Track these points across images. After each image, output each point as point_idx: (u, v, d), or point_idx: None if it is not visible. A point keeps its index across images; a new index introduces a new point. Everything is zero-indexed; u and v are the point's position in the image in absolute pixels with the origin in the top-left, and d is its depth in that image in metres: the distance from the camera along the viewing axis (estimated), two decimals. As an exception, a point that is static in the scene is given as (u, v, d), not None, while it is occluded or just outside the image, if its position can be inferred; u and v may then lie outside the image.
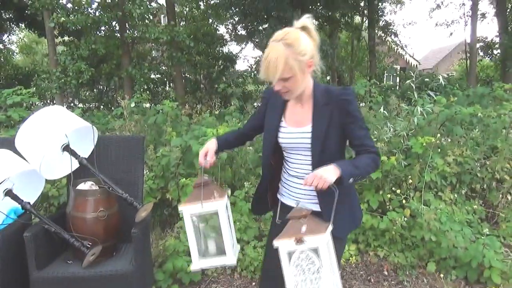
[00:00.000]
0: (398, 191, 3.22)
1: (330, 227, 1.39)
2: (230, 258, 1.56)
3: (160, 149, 3.58)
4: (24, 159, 2.19)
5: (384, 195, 3.28)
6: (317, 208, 1.57)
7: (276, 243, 1.35)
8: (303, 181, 1.40)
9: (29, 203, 2.16)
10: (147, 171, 3.38)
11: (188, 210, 1.56)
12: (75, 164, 2.31)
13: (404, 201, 3.16)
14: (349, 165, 1.43)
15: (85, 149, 2.39)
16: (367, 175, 1.62)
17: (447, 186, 3.41)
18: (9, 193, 2.13)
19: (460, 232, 2.88)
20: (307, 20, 1.47)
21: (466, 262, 2.73)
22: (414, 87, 3.91)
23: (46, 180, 2.49)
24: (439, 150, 3.55)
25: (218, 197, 1.55)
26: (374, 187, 3.39)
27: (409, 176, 3.24)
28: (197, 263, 1.60)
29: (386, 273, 2.88)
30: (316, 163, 1.50)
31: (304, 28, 1.47)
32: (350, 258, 2.95)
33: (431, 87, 3.95)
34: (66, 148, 2.24)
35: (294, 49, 1.40)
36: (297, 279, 1.35)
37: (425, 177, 3.23)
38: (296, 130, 1.57)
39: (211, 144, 1.71)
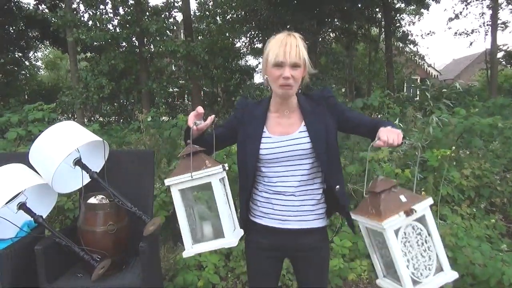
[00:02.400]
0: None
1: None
2: (230, 239, 1.33)
3: (174, 162, 3.62)
4: (37, 173, 2.25)
5: (398, 209, 3.20)
6: (316, 224, 1.55)
7: (385, 223, 1.15)
8: (379, 142, 1.29)
9: (41, 216, 2.20)
10: (160, 184, 3.41)
11: (176, 182, 1.34)
12: (87, 179, 2.35)
13: (419, 216, 3.08)
14: (392, 124, 1.39)
15: (97, 164, 2.43)
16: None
17: (464, 200, 3.32)
18: (22, 206, 2.18)
19: (478, 248, 2.78)
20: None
21: (484, 280, 2.62)
22: (429, 96, 3.85)
23: (61, 193, 2.55)
24: (455, 162, 3.46)
25: (211, 166, 1.32)
26: (389, 201, 3.33)
27: (424, 190, 3.17)
28: (191, 249, 1.40)
29: (401, 289, 2.80)
30: (324, 166, 1.49)
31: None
32: (362, 274, 2.88)
33: (448, 97, 3.86)
34: (78, 162, 2.29)
35: (304, 44, 1.47)
36: (407, 258, 1.19)
37: (441, 191, 3.15)
38: (284, 139, 1.51)
39: (192, 112, 1.52)
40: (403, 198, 1.20)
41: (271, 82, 1.50)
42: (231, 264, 2.98)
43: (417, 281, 1.20)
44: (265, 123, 1.56)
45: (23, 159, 2.33)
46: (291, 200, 1.52)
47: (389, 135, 1.27)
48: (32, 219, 2.21)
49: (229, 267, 2.98)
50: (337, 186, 1.51)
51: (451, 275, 1.23)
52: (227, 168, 1.44)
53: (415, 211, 1.16)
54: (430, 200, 1.21)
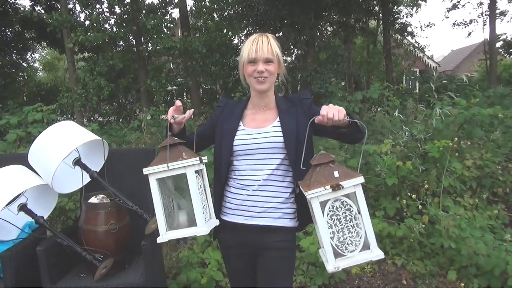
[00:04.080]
0: (415, 196, 3.14)
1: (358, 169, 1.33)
2: (201, 228, 1.36)
3: (174, 160, 3.60)
4: (37, 174, 2.23)
5: (401, 201, 3.20)
6: (282, 223, 1.54)
7: (309, 194, 1.21)
8: (319, 117, 1.32)
9: (42, 217, 2.19)
10: (160, 182, 3.40)
11: (153, 171, 1.39)
12: (87, 178, 2.34)
13: (421, 207, 3.08)
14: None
15: (96, 163, 2.42)
16: (359, 132, 1.46)
17: (466, 191, 3.31)
18: (23, 208, 2.17)
19: (481, 238, 2.77)
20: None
21: (488, 270, 2.62)
22: (433, 88, 3.83)
23: (62, 194, 2.54)
24: (457, 153, 3.44)
25: (187, 157, 1.37)
26: (391, 194, 3.32)
27: (426, 182, 3.16)
28: (165, 235, 1.44)
29: (404, 282, 2.80)
30: (294, 159, 1.50)
31: None
32: (366, 267, 2.88)
33: (450, 88, 3.85)
34: (78, 162, 2.28)
35: (276, 42, 1.58)
36: (333, 230, 1.24)
37: (443, 182, 3.14)
38: (257, 131, 1.57)
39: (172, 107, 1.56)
40: (336, 173, 1.23)
41: (248, 78, 1.60)
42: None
43: (341, 253, 1.23)
44: (242, 118, 1.63)
45: (23, 160, 2.32)
46: (257, 195, 1.56)
47: (329, 110, 1.31)
48: (33, 220, 2.20)
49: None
50: (302, 167, 1.46)
51: (377, 254, 1.23)
52: (205, 161, 1.47)
53: (342, 187, 1.20)
54: (360, 179, 1.23)
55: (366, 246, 1.24)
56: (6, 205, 2.13)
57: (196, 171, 1.42)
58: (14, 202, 2.21)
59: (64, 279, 2.12)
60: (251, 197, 1.56)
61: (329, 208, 1.23)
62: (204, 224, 1.38)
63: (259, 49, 1.52)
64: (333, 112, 1.30)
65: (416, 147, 3.55)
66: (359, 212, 1.23)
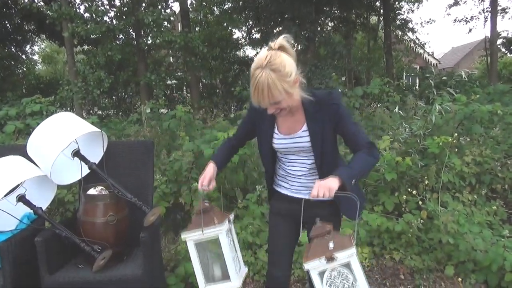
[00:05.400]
0: (415, 192, 3.14)
1: (354, 239, 1.42)
2: (235, 282, 1.62)
3: (173, 153, 3.60)
4: (36, 165, 2.23)
5: (399, 196, 3.20)
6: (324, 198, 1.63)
7: (306, 265, 1.35)
8: (310, 194, 1.45)
9: (41, 208, 2.19)
10: (160, 175, 3.40)
11: (190, 237, 1.63)
12: (86, 170, 2.33)
13: (420, 203, 3.08)
14: (347, 169, 1.51)
15: (95, 155, 2.41)
16: (368, 169, 1.65)
17: (465, 187, 3.31)
18: (22, 198, 2.17)
19: (480, 234, 2.78)
20: (283, 40, 1.53)
21: (486, 266, 2.62)
22: (433, 84, 3.83)
23: (61, 185, 2.53)
24: (456, 150, 3.44)
25: (218, 223, 1.60)
26: (390, 189, 3.32)
27: (425, 177, 3.16)
28: None
29: (402, 276, 2.80)
30: (319, 163, 1.67)
31: (281, 48, 1.51)
32: (364, 261, 2.88)
33: (449, 85, 3.84)
34: (77, 153, 2.27)
35: (281, 73, 1.46)
36: None
37: (442, 178, 3.14)
38: (289, 136, 1.70)
39: (210, 170, 1.74)
40: (331, 244, 1.35)
41: None
42: (233, 253, 2.97)
43: None
44: (275, 122, 1.73)
45: (22, 151, 2.31)
46: (301, 179, 1.75)
47: (320, 190, 1.42)
48: (31, 211, 2.20)
49: (230, 256, 2.97)
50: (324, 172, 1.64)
51: None
52: (232, 219, 1.73)
53: (336, 258, 1.31)
54: (353, 250, 1.33)
55: None
56: (5, 196, 2.12)
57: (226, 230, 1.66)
58: (12, 192, 2.20)
59: (62, 270, 2.12)
60: (297, 180, 1.76)
61: (327, 277, 1.33)
62: (236, 277, 1.62)
63: (261, 100, 1.49)
64: (323, 191, 1.42)
65: (416, 143, 3.55)
66: (356, 281, 1.33)
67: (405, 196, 3.15)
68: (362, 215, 3.12)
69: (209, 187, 1.71)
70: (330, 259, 1.32)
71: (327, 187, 1.42)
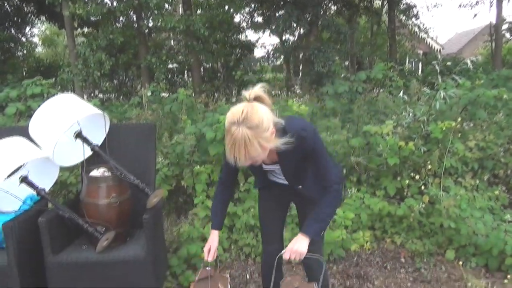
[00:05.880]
0: (417, 177, 3.14)
1: None
2: None
3: (175, 136, 3.59)
4: (38, 146, 2.22)
5: (402, 181, 3.20)
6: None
7: None
8: (283, 257, 1.63)
9: (44, 189, 2.19)
10: (162, 158, 3.40)
11: None
12: (88, 151, 2.33)
13: (422, 188, 3.08)
14: (314, 225, 1.67)
15: (97, 137, 2.40)
16: (334, 214, 1.92)
17: (468, 172, 3.30)
18: (24, 180, 2.17)
19: (481, 219, 2.79)
20: (259, 90, 1.49)
21: (486, 250, 2.64)
22: (438, 70, 3.78)
23: (64, 167, 2.53)
24: (459, 135, 3.42)
25: None
26: (392, 174, 3.32)
27: (428, 162, 3.15)
28: None
29: (403, 260, 2.82)
30: (293, 183, 1.80)
31: (257, 98, 1.48)
32: (365, 245, 2.90)
33: (454, 71, 3.80)
34: (79, 135, 2.26)
35: (259, 130, 1.41)
36: None
37: (445, 163, 3.13)
38: (273, 166, 1.77)
39: (214, 241, 1.86)
40: None
41: None
42: (234, 236, 3.00)
43: None
44: None
45: (23, 133, 2.30)
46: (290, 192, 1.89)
47: (292, 255, 1.61)
48: (34, 192, 2.20)
49: (232, 239, 3.00)
50: (299, 186, 1.81)
51: None
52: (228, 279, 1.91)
53: None
54: None
55: None
56: (8, 177, 2.12)
57: None
58: (15, 174, 2.20)
59: (66, 251, 2.13)
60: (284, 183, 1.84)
61: None
62: None
63: (237, 157, 1.43)
64: (294, 256, 1.61)
65: (419, 128, 3.53)
66: None
67: (407, 181, 3.15)
68: (364, 199, 3.13)
69: (211, 257, 1.85)
70: None
71: (298, 252, 1.61)
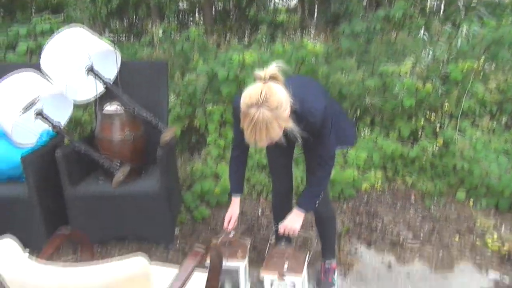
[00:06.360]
0: (433, 117, 3.07)
1: (305, 268, 1.78)
2: None
3: (187, 76, 3.54)
4: (51, 82, 2.22)
5: (417, 122, 3.15)
6: None
7: (263, 274, 1.74)
8: (279, 231, 1.76)
9: (59, 124, 2.22)
10: (174, 97, 3.38)
11: None
12: (100, 87, 2.32)
13: (437, 129, 3.03)
14: (308, 199, 1.76)
15: (109, 73, 2.38)
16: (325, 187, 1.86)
17: (485, 115, 3.23)
18: (40, 114, 2.19)
19: (495, 161, 2.76)
20: (274, 68, 1.42)
21: (498, 191, 2.64)
22: (461, 5, 3.57)
23: (77, 106, 2.54)
24: (481, 75, 3.30)
25: (241, 258, 1.83)
26: (407, 116, 3.26)
27: (446, 101, 3.07)
28: None
29: (413, 200, 2.86)
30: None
31: (273, 77, 1.41)
32: (376, 184, 2.93)
33: (478, 8, 3.58)
34: (91, 70, 2.24)
35: (279, 111, 1.37)
36: None
37: (463, 105, 3.06)
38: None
39: (235, 209, 1.86)
40: (285, 265, 1.72)
41: None
42: (247, 174, 3.03)
43: None
44: None
45: (36, 70, 2.29)
46: None
47: (286, 231, 1.74)
48: (50, 128, 2.23)
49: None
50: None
51: None
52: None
53: (285, 278, 1.70)
54: (299, 277, 1.70)
55: None
56: (23, 111, 2.14)
57: None
58: (30, 108, 2.22)
59: (83, 184, 2.20)
60: None
61: (275, 285, 1.74)
62: None
63: (258, 140, 1.41)
64: (288, 232, 1.75)
65: (438, 68, 3.40)
66: None
67: (422, 121, 3.10)
68: (377, 140, 3.11)
69: (231, 226, 1.86)
70: (281, 277, 1.70)
71: (292, 229, 1.74)
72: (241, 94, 1.44)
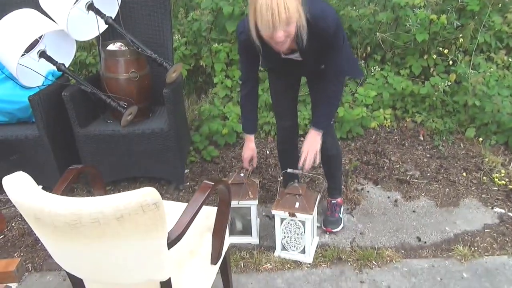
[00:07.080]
0: (446, 51, 2.96)
1: (316, 208, 1.82)
2: (255, 239, 1.98)
3: (191, 13, 3.41)
4: (51, 20, 2.15)
5: (429, 59, 3.05)
6: None
7: (274, 212, 1.77)
8: (299, 164, 1.73)
9: (63, 64, 2.19)
10: (179, 36, 3.29)
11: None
12: (102, 25, 2.25)
13: (450, 65, 2.94)
14: (323, 118, 1.74)
15: (110, 10, 2.29)
16: (338, 105, 1.89)
17: (502, 49, 3.10)
18: (43, 54, 2.16)
19: (508, 97, 2.70)
20: None
21: (509, 128, 2.61)
22: None
23: (81, 47, 2.49)
24: (499, 5, 3.12)
25: (253, 198, 1.87)
26: (419, 52, 3.15)
27: (460, 36, 2.94)
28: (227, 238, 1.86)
29: (421, 138, 2.84)
30: (310, 68, 1.75)
31: None
32: (385, 122, 2.90)
33: None
34: (91, 6, 2.16)
35: None
36: (285, 235, 1.83)
37: (478, 38, 2.93)
38: (292, 55, 1.64)
39: (252, 149, 1.88)
40: (297, 204, 1.74)
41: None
42: (254, 115, 3.03)
43: (286, 249, 1.87)
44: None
45: (34, 5, 2.21)
46: None
47: (307, 161, 1.70)
48: (55, 68, 2.20)
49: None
50: (322, 66, 1.71)
51: (307, 259, 1.83)
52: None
53: (295, 216, 1.75)
54: (310, 216, 1.74)
55: (303, 252, 1.84)
56: (26, 52, 2.11)
57: None
58: (33, 49, 2.19)
59: (92, 125, 2.22)
60: None
61: (285, 223, 1.80)
62: (257, 237, 1.99)
63: (276, 20, 1.28)
64: (309, 161, 1.70)
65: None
66: (304, 232, 1.79)
67: (434, 57, 2.99)
68: (388, 77, 3.04)
69: (251, 167, 1.91)
70: (292, 215, 1.74)
71: (313, 150, 1.70)
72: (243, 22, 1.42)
